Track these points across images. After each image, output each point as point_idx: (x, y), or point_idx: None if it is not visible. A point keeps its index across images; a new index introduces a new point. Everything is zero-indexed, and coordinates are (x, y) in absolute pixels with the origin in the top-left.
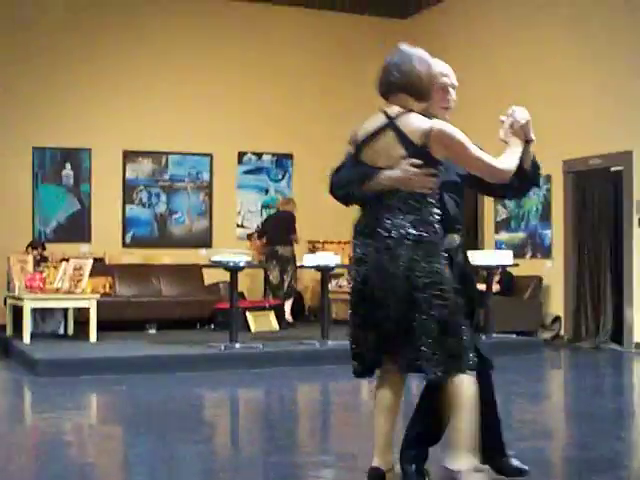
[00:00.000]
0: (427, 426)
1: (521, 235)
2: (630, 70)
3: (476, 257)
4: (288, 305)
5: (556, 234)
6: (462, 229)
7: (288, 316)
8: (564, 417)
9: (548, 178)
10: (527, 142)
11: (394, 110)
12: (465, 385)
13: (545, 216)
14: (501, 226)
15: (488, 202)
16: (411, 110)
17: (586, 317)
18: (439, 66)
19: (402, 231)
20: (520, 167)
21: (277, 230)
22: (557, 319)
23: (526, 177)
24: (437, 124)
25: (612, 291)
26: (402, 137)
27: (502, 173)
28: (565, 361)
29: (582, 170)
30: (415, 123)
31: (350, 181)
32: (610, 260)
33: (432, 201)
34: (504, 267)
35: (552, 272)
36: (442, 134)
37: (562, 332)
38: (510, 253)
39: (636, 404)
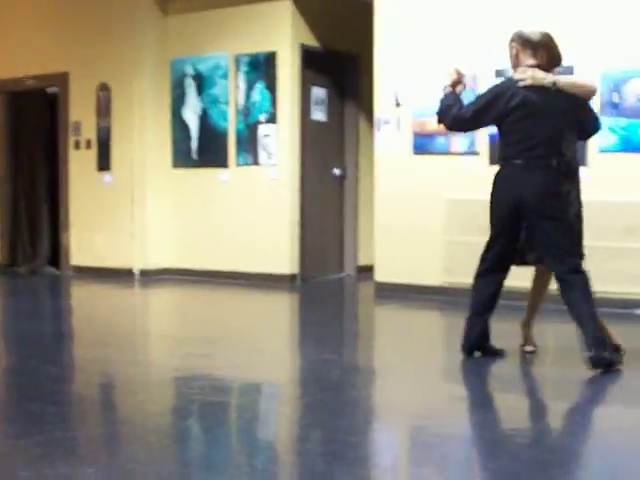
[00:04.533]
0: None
1: None
2: None
3: None
4: None
5: None
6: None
7: None
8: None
9: None
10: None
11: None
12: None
13: None
14: None
15: None
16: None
17: (22, 241)
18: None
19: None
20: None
21: None
22: None
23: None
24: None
25: (49, 215)
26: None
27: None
28: (1, 286)
29: (18, 91)
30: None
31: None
32: (47, 184)
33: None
34: None
35: None
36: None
37: None
38: None
39: (80, 327)
